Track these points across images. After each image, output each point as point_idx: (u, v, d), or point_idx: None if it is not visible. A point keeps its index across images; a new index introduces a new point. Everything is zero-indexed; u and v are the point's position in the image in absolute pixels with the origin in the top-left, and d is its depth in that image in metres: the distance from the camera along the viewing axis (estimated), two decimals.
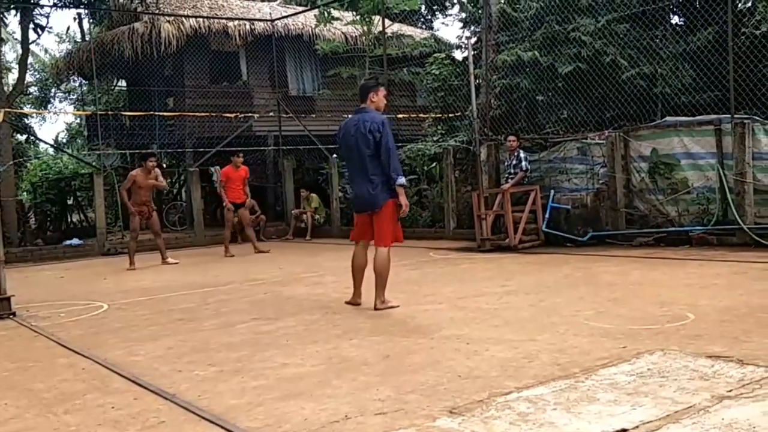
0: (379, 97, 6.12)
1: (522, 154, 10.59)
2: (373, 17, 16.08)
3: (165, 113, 17.22)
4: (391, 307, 5.90)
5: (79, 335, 5.70)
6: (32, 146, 28.39)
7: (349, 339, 4.88)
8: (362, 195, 6.02)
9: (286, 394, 3.65)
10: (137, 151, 17.25)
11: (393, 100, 16.34)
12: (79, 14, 22.96)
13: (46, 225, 17.67)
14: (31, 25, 16.48)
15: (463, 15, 18.32)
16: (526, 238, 10.10)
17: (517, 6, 12.00)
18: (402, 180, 5.94)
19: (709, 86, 9.66)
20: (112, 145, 18.45)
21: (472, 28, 14.90)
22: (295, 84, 18.79)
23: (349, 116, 6.30)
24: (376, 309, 5.87)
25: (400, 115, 16.82)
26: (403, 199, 5.94)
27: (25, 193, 20.12)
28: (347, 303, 6.24)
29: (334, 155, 15.88)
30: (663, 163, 9.47)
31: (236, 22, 17.26)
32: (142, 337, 5.46)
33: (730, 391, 3.22)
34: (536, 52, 11.18)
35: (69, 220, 18.87)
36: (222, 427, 3.20)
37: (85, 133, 22.28)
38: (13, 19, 20.46)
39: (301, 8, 19.30)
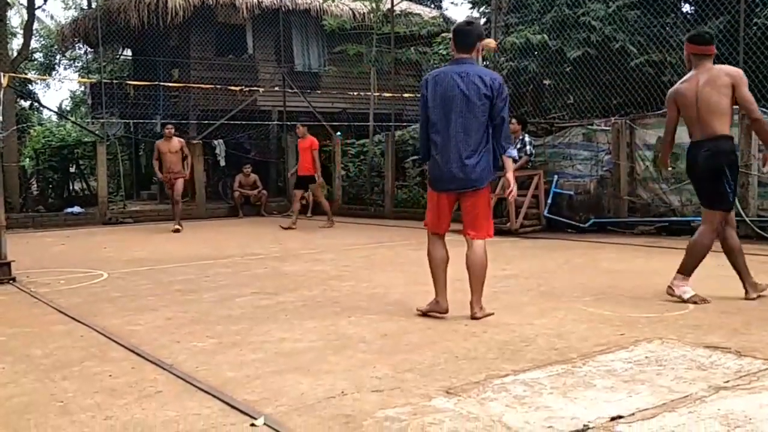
0: (479, 50, 4.79)
1: (527, 139, 10.54)
2: None
3: (170, 84, 17.13)
4: (489, 315, 4.73)
5: (78, 303, 5.71)
6: (36, 113, 28.35)
7: (347, 316, 4.89)
8: (456, 167, 4.61)
9: (284, 368, 3.66)
10: (141, 121, 17.21)
11: (399, 79, 16.28)
12: None
13: (48, 192, 17.66)
14: None
15: None
16: (527, 222, 10.08)
17: None
18: (514, 152, 4.87)
19: None
20: (115, 114, 18.39)
21: (482, 8, 14.76)
22: (300, 59, 18.68)
23: (442, 68, 4.92)
24: (474, 318, 4.66)
25: (406, 95, 16.74)
26: (511, 176, 4.75)
27: (27, 160, 20.10)
28: (424, 312, 4.79)
29: (338, 133, 15.82)
30: None
31: None
32: (141, 306, 5.47)
33: (727, 382, 3.23)
34: (545, 36, 11.10)
35: (71, 187, 18.86)
36: (219, 398, 3.21)
37: (89, 101, 22.20)
38: None
39: None
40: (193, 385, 3.42)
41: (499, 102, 4.59)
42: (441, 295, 4.78)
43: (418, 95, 5.10)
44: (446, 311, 4.74)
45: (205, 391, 3.32)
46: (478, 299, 4.73)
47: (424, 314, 4.78)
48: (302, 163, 12.00)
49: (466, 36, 4.72)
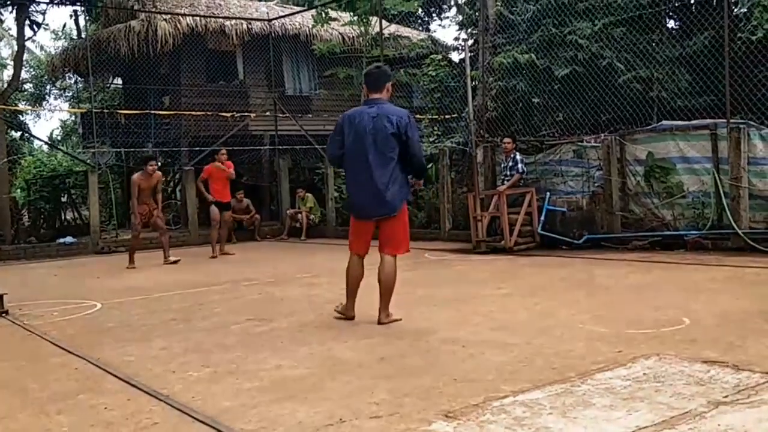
0: (391, 90, 5.43)
1: (518, 157, 10.60)
2: (370, 18, 16.05)
3: (161, 112, 17.15)
4: (396, 320, 5.41)
5: (72, 334, 5.67)
6: (27, 143, 28.27)
7: (343, 341, 4.86)
8: (374, 198, 5.25)
9: (280, 396, 3.63)
10: (132, 149, 17.20)
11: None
12: (75, 11, 22.99)
13: (40, 222, 17.58)
14: (27, 22, 16.40)
15: (460, 17, 18.30)
16: (521, 240, 10.09)
17: (514, 9, 11.99)
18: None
19: (705, 91, 9.67)
20: (107, 143, 18.36)
21: (469, 30, 14.87)
22: (291, 84, 18.75)
23: (357, 108, 5.45)
24: (380, 323, 5.33)
25: None
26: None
27: (18, 191, 20.00)
28: (338, 317, 5.60)
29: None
30: (659, 167, 9.48)
31: (233, 21, 17.21)
32: (136, 337, 5.43)
33: (726, 396, 3.22)
34: (533, 55, 11.18)
35: (63, 217, 18.78)
36: (216, 428, 3.18)
37: (80, 130, 22.18)
38: (8, 16, 20.31)
39: (298, 8, 19.26)
40: (190, 416, 3.39)
41: (409, 137, 5.18)
42: (350, 303, 5.55)
43: None
44: (353, 318, 5.52)
45: (202, 422, 3.29)
46: (385, 307, 5.39)
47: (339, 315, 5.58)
48: (224, 191, 12.20)
49: (376, 78, 5.37)
